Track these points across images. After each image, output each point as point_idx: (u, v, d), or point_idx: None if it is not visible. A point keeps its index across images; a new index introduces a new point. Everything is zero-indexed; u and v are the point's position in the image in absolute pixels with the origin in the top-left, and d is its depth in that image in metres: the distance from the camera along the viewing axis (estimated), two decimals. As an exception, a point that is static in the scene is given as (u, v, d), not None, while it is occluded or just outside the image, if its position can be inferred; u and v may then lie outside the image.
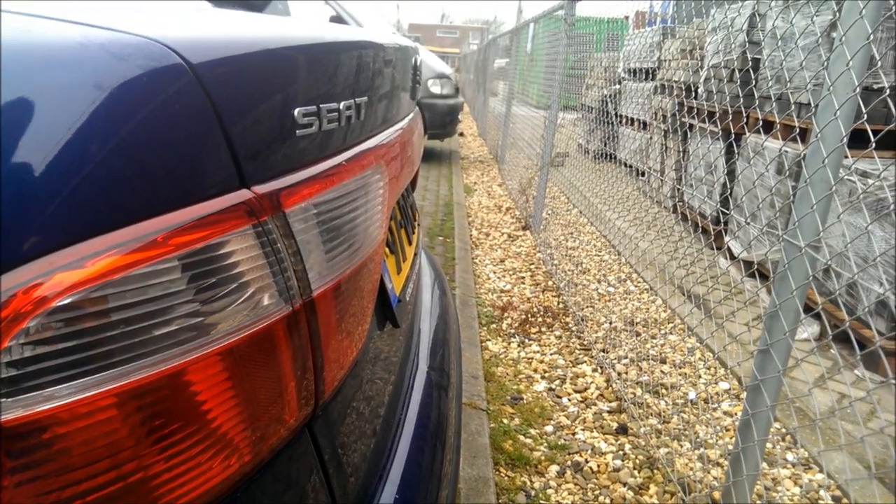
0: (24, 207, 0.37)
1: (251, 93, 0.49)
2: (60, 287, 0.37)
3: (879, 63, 1.37)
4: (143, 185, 0.42)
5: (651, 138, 6.35)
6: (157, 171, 0.43)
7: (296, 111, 0.54)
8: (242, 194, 0.48)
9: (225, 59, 0.47)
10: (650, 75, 6.63)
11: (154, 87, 0.42)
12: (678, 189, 5.32)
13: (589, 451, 2.21)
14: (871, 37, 1.31)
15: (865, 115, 1.38)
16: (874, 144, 1.43)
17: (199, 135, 0.45)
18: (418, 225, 1.44)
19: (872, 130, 1.43)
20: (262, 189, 0.50)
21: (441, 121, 7.56)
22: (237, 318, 0.47)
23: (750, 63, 4.24)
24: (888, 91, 1.63)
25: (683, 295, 3.60)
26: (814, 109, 1.45)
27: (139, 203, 0.42)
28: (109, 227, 0.40)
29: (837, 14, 1.41)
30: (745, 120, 4.09)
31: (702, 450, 2.22)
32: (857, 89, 1.32)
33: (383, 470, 0.83)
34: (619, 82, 8.03)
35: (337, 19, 6.82)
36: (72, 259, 0.38)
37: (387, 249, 0.97)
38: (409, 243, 1.17)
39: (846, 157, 1.42)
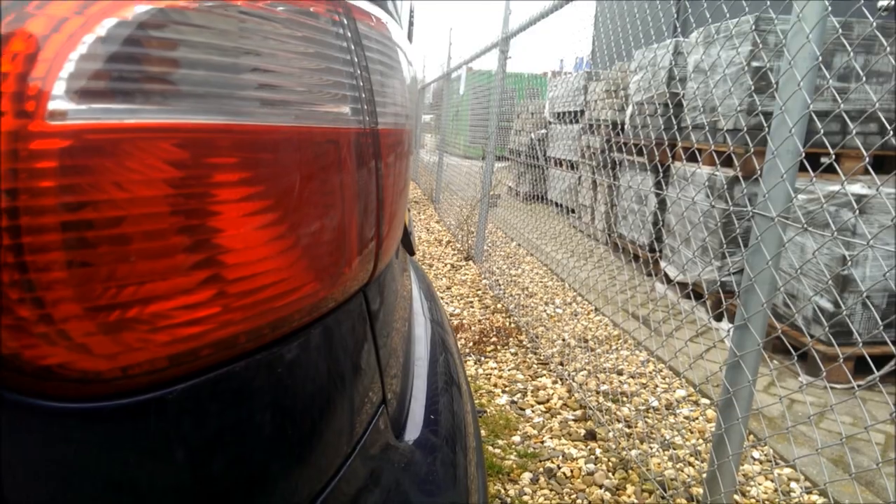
0: None
1: None
2: None
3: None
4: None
5: (581, 176, 6.57)
6: None
7: None
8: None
9: None
10: (577, 117, 6.92)
11: None
12: (610, 222, 5.48)
13: (560, 458, 2.14)
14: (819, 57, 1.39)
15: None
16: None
17: None
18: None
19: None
20: (336, -12, 0.43)
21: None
22: (308, 101, 0.39)
23: (673, 97, 4.50)
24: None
25: (628, 314, 3.65)
26: (775, 86, 1.52)
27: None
28: None
29: (757, 47, 1.50)
30: (672, 151, 4.29)
31: (672, 451, 2.19)
32: (819, 58, 1.39)
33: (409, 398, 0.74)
34: (546, 126, 8.33)
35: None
36: None
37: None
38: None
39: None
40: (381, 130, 0.49)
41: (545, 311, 3.77)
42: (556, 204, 7.38)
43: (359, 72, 0.45)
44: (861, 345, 1.84)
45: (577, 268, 4.75)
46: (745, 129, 1.98)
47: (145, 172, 0.30)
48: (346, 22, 0.44)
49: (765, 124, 1.53)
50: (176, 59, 0.31)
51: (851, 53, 2.32)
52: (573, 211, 6.87)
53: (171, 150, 0.31)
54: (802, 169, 1.49)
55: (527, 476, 2.02)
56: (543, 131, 8.47)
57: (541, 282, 4.49)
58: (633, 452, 2.15)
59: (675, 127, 4.26)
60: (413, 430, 0.64)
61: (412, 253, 0.85)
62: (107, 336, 0.31)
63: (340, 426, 0.48)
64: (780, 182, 1.44)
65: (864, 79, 1.42)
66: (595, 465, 2.10)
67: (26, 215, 0.27)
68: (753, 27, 3.23)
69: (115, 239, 0.30)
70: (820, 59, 1.38)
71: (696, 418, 2.50)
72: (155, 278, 0.32)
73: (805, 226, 1.37)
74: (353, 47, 0.44)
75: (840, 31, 1.53)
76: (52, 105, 0.27)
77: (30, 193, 0.27)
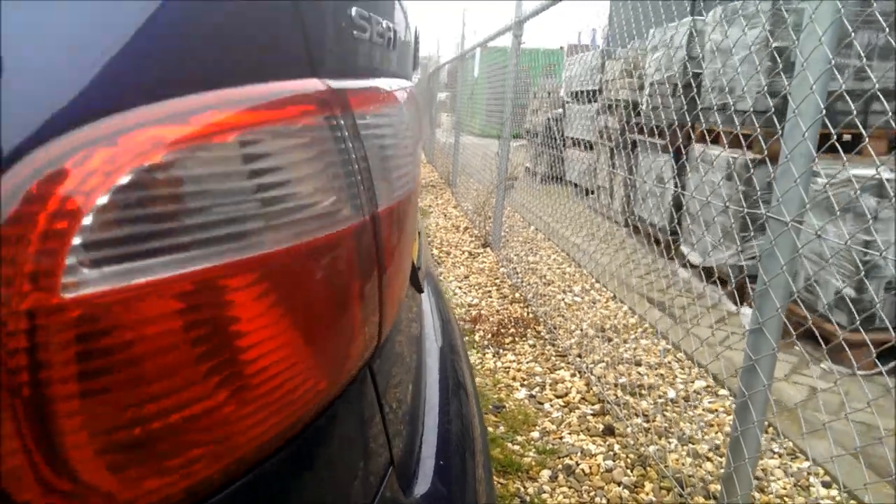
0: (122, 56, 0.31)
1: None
2: (161, 142, 0.31)
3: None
4: (223, 50, 0.36)
5: (598, 157, 6.50)
6: (238, 37, 0.37)
7: (353, 9, 0.49)
8: (314, 83, 0.42)
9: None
10: (593, 97, 6.83)
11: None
12: (629, 204, 5.44)
13: (578, 454, 2.17)
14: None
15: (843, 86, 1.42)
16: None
17: (279, 6, 0.40)
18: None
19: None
20: (331, 84, 0.44)
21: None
22: (309, 214, 0.41)
23: (691, 77, 4.42)
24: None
25: (648, 302, 3.64)
26: (787, 89, 1.49)
27: (218, 67, 0.36)
28: (206, 86, 0.34)
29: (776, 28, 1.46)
30: (690, 132, 4.23)
31: (690, 445, 2.20)
32: (832, 61, 1.36)
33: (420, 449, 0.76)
34: (563, 106, 8.24)
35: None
36: (173, 111, 0.32)
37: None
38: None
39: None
40: (381, 212, 0.51)
41: (563, 299, 3.77)
42: (574, 185, 7.32)
43: (356, 166, 0.46)
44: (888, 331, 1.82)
45: (596, 252, 4.73)
46: (762, 111, 1.94)
47: (158, 322, 0.32)
48: (342, 122, 0.45)
49: (769, 108, 1.50)
50: (181, 210, 0.33)
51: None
52: (591, 192, 6.82)
53: (185, 291, 0.33)
54: (830, 150, 1.46)
55: (546, 473, 2.05)
56: (560, 111, 8.37)
57: (559, 269, 4.48)
58: (651, 448, 2.16)
59: (696, 108, 4.19)
60: (423, 482, 0.66)
61: (420, 290, 0.87)
62: None
63: (348, 501, 0.50)
64: (793, 186, 1.42)
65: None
66: (613, 461, 2.12)
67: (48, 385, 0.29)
68: (770, 8, 3.16)
69: (133, 381, 0.32)
70: (833, 62, 1.35)
71: (716, 411, 2.50)
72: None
73: (818, 233, 1.36)
74: (351, 145, 0.45)
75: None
76: (65, 278, 0.29)
77: (48, 366, 0.29)
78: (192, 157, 0.33)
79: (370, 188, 0.49)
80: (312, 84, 0.42)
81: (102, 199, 0.30)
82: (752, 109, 1.95)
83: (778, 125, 1.66)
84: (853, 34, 1.44)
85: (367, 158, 0.48)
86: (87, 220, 0.29)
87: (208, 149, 0.34)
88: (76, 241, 0.29)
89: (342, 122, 0.44)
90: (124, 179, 0.30)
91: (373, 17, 0.54)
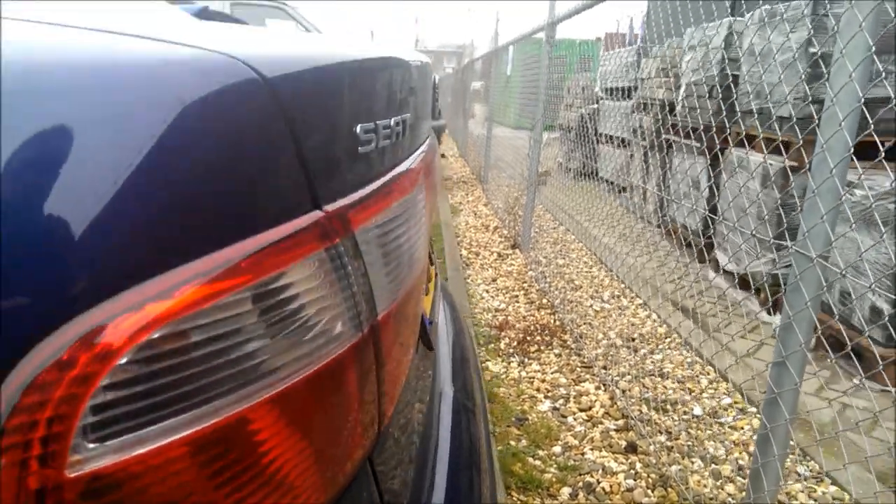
0: (110, 235, 0.33)
1: (323, 109, 0.47)
2: (150, 319, 0.34)
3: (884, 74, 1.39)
4: (222, 209, 0.39)
5: (631, 155, 6.43)
6: (237, 194, 0.40)
7: (358, 127, 0.52)
8: (315, 215, 0.45)
9: (299, 75, 0.44)
10: (628, 94, 6.73)
11: (235, 105, 0.40)
12: (662, 205, 5.37)
13: (600, 472, 2.18)
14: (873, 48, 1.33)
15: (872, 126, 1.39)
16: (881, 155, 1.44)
17: (278, 153, 0.43)
18: (434, 258, 1.41)
19: (880, 141, 1.44)
20: (332, 208, 0.47)
21: (423, 143, 7.56)
22: (311, 348, 0.44)
23: (725, 79, 4.32)
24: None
25: (678, 310, 3.61)
26: (816, 122, 1.47)
27: (217, 228, 0.39)
28: (189, 255, 0.37)
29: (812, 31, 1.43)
30: (727, 135, 4.15)
31: (714, 466, 2.19)
32: (861, 100, 1.34)
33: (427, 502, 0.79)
34: (597, 101, 8.14)
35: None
36: (159, 290, 0.35)
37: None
38: (431, 263, 1.14)
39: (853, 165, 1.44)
40: (382, 319, 0.53)
41: (591, 305, 3.76)
42: (608, 182, 7.25)
43: (356, 287, 0.49)
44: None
45: (626, 254, 4.69)
46: (800, 118, 1.90)
47: (168, 479, 0.35)
48: (342, 248, 0.47)
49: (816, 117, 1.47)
50: (183, 377, 0.36)
51: None
52: (624, 190, 6.74)
53: (196, 446, 0.36)
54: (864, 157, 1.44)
55: (566, 491, 2.07)
56: (594, 106, 8.28)
57: (588, 272, 4.46)
58: (674, 468, 2.16)
59: (732, 111, 4.11)
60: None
61: (430, 348, 0.89)
62: None
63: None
64: (819, 223, 1.40)
65: None
66: (635, 480, 2.13)
67: None
68: (810, 11, 3.07)
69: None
70: (874, 49, 1.31)
71: (742, 428, 2.48)
72: None
73: (843, 272, 1.34)
74: (350, 268, 0.48)
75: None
76: (73, 456, 0.32)
77: None
78: (186, 330, 0.36)
79: (370, 300, 0.51)
80: (313, 217, 0.45)
81: (105, 380, 0.33)
82: (790, 116, 1.91)
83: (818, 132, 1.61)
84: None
85: (367, 274, 0.51)
86: (92, 401, 0.32)
87: (207, 314, 0.37)
88: (83, 421, 0.32)
89: (342, 248, 0.47)
90: (123, 359, 0.33)
91: (379, 126, 0.56)
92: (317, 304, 0.45)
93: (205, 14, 0.75)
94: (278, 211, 0.43)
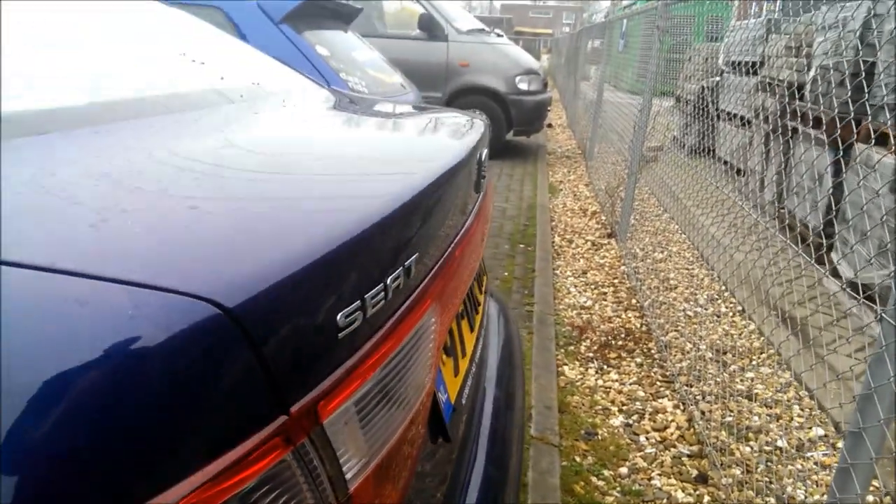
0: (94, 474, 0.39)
1: (293, 320, 0.50)
2: None
3: None
4: (187, 439, 0.44)
5: (752, 137, 5.98)
6: (203, 425, 0.45)
7: (339, 316, 0.55)
8: (277, 423, 0.49)
9: (265, 295, 0.47)
10: (753, 69, 6.22)
11: (194, 344, 0.44)
12: (780, 195, 4.99)
13: (664, 501, 2.14)
14: None
15: None
16: None
17: (239, 376, 0.46)
18: (484, 294, 1.43)
19: None
20: (299, 406, 0.51)
21: (528, 118, 7.44)
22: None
23: (864, 68, 3.88)
24: None
25: (779, 318, 3.39)
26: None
27: (182, 457, 0.44)
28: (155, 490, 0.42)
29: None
30: (857, 129, 3.75)
31: (788, 507, 2.09)
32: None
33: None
34: (720, 74, 7.59)
35: (427, 18, 6.83)
36: None
37: (443, 355, 0.97)
38: (472, 330, 1.16)
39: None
40: (355, 490, 0.57)
41: (684, 310, 3.61)
42: (724, 162, 6.80)
43: (323, 475, 0.53)
44: None
45: (733, 248, 4.43)
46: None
47: None
48: (307, 446, 0.51)
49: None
50: None
51: None
52: (740, 172, 6.31)
53: None
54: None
55: (625, 518, 2.06)
56: (717, 79, 7.74)
57: (686, 270, 4.27)
58: (744, 507, 2.08)
59: (864, 102, 3.70)
60: None
61: (448, 440, 0.92)
62: None
63: None
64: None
65: None
66: (699, 515, 2.08)
67: None
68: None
69: None
70: None
71: (830, 466, 2.33)
72: None
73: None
74: (314, 462, 0.52)
75: None
76: None
77: None
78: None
79: (339, 478, 0.55)
80: (275, 426, 0.49)
81: None
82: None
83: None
84: None
85: (336, 457, 0.54)
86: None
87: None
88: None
89: (306, 447, 0.51)
90: None
91: (367, 298, 0.59)
92: (287, 496, 0.49)
93: None
94: (238, 429, 0.47)
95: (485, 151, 1.11)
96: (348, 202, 0.65)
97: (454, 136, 1.07)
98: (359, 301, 0.57)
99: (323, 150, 0.87)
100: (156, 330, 0.42)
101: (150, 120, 0.82)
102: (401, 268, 0.66)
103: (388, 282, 0.63)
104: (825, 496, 2.17)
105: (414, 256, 0.69)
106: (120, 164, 0.67)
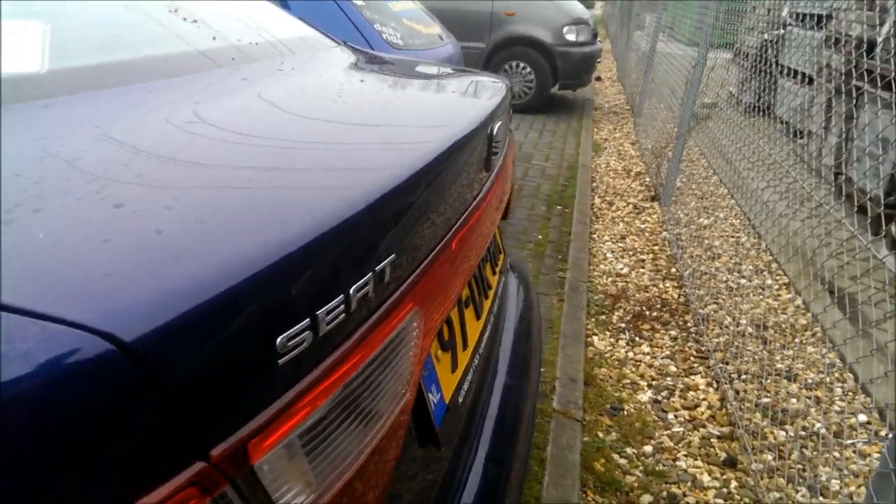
0: None
1: (210, 354, 0.43)
2: None
3: None
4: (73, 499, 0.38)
5: (814, 97, 5.60)
6: (93, 481, 0.39)
7: (278, 340, 0.47)
8: (194, 469, 0.43)
9: (170, 332, 0.40)
10: (821, 23, 5.77)
11: (86, 390, 0.37)
12: (841, 161, 4.67)
13: (689, 484, 2.07)
14: None
15: None
16: None
17: (146, 426, 0.40)
18: (501, 271, 1.34)
19: None
20: (222, 449, 0.44)
21: (575, 70, 7.13)
22: None
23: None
24: None
25: (829, 295, 3.20)
26: None
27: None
28: None
29: None
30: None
31: (820, 498, 1.99)
32: None
33: None
34: (784, 27, 7.09)
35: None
36: None
37: (439, 350, 0.90)
38: (478, 318, 1.08)
39: None
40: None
41: (727, 281, 3.45)
42: (783, 122, 6.41)
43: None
44: None
45: (790, 216, 4.19)
46: None
47: None
48: (231, 494, 0.45)
49: None
50: None
51: None
52: (799, 134, 5.95)
53: None
54: None
55: (646, 499, 2.00)
56: (780, 31, 7.24)
57: (733, 237, 4.07)
58: (772, 496, 1.99)
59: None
60: None
61: (438, 447, 0.85)
62: None
63: None
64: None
65: None
66: (725, 501, 2.00)
67: None
68: None
69: None
70: None
71: (869, 456, 2.21)
72: None
73: None
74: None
75: None
76: None
77: None
78: None
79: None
80: (190, 472, 0.42)
81: None
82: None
83: None
84: None
85: (271, 502, 0.48)
86: None
87: None
88: None
89: (230, 495, 0.44)
90: None
91: (319, 315, 0.51)
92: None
93: None
94: (139, 483, 0.40)
95: (499, 124, 1.00)
96: (301, 200, 0.57)
97: (457, 108, 0.96)
98: (307, 320, 0.50)
99: (294, 130, 0.76)
100: (29, 368, 0.35)
101: (100, 93, 0.74)
102: (370, 274, 0.58)
103: (352, 292, 0.55)
104: (861, 488, 2.06)
105: (389, 259, 0.61)
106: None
